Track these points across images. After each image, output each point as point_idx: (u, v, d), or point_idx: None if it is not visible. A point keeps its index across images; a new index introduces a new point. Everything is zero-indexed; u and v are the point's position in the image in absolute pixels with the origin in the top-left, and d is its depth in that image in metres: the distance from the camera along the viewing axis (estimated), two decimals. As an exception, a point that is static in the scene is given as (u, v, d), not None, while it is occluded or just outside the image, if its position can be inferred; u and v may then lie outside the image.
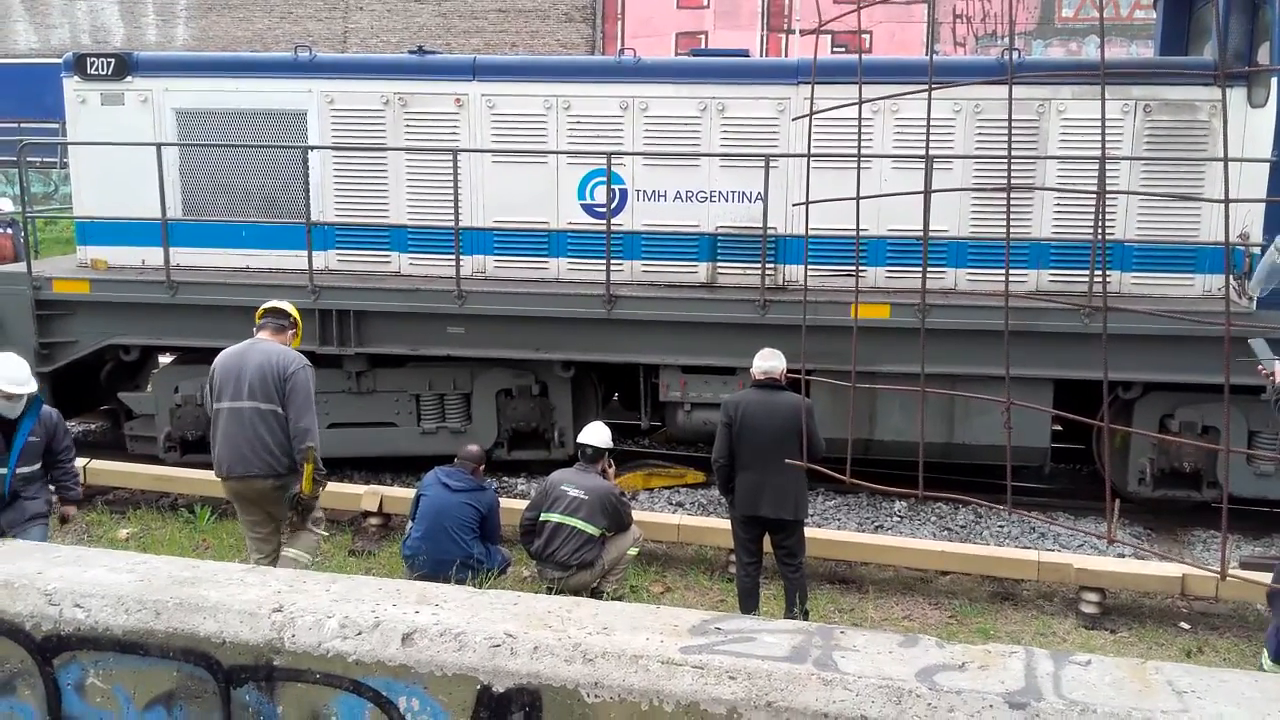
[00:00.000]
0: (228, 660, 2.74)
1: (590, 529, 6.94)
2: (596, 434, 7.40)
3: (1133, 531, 8.75)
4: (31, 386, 6.29)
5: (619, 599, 7.03)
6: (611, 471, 7.59)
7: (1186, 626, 7.16)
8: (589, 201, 9.35)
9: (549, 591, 6.69)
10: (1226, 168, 2.27)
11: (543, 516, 7.09)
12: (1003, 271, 8.91)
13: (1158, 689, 2.35)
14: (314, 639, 2.68)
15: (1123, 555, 7.88)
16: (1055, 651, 2.53)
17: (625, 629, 2.65)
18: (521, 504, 7.68)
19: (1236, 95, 8.46)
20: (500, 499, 7.62)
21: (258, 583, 2.93)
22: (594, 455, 7.30)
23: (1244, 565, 7.26)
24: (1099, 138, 8.58)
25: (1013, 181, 8.79)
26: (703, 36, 27.07)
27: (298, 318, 6.89)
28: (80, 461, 8.99)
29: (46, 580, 2.94)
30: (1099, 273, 8.51)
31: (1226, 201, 2.13)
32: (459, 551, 6.90)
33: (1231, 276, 7.74)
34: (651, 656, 2.51)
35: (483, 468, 7.41)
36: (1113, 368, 8.31)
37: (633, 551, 7.33)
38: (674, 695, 2.45)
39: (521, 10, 28.23)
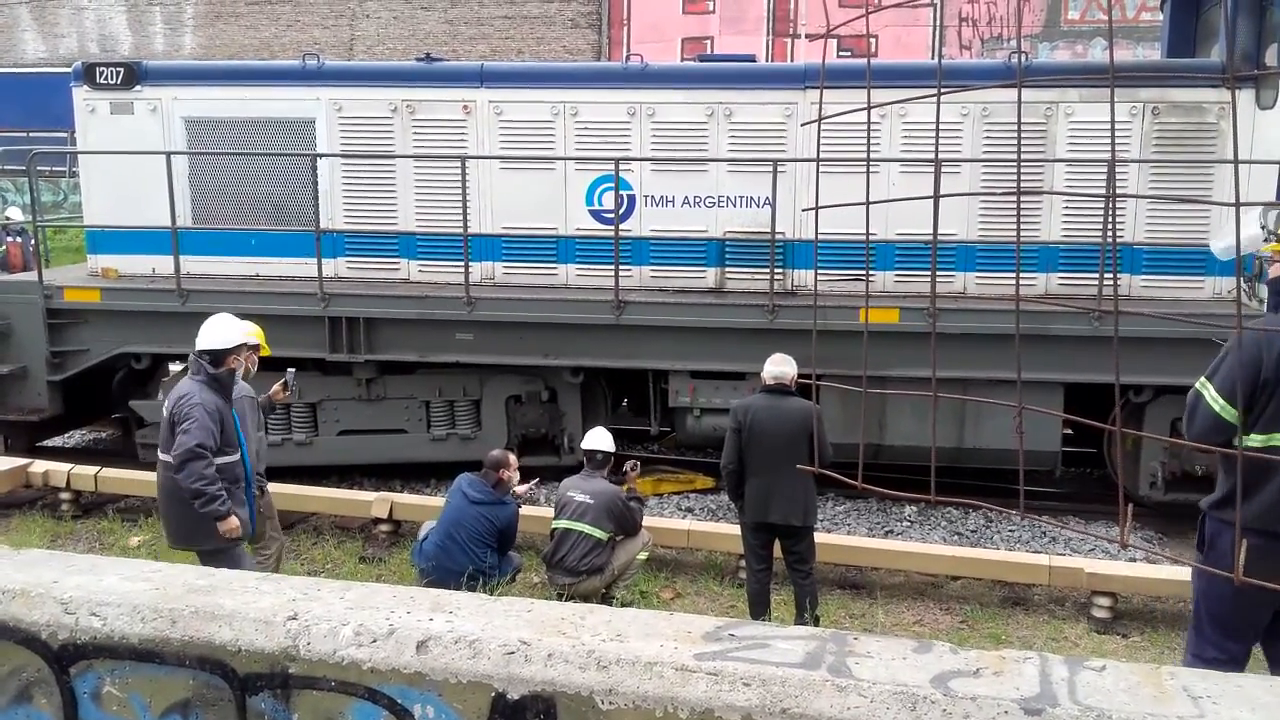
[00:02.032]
0: (243, 668, 2.74)
1: (597, 533, 6.95)
2: (601, 439, 7.40)
3: (1144, 535, 8.73)
4: None
5: (628, 605, 7.04)
6: (634, 475, 7.57)
7: (1199, 630, 7.13)
8: (597, 207, 9.37)
9: (559, 598, 6.69)
10: (1237, 170, 2.27)
11: (552, 524, 7.12)
12: (1011, 275, 8.90)
13: (1173, 694, 2.34)
14: (329, 646, 2.68)
15: (1134, 560, 7.86)
16: (1070, 657, 2.52)
17: (639, 636, 2.65)
18: (533, 511, 7.70)
19: (1245, 97, 8.45)
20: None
21: (272, 590, 2.94)
22: (603, 460, 7.31)
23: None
24: (1107, 140, 8.57)
25: (1021, 185, 8.78)
26: (708, 42, 27.09)
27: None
28: (91, 470, 9.07)
29: (63, 589, 2.95)
30: (1109, 276, 8.49)
31: (1238, 205, 2.12)
32: (469, 563, 6.89)
33: (1242, 279, 7.71)
34: (666, 663, 2.51)
35: (507, 473, 7.23)
36: (1124, 371, 8.29)
37: (642, 556, 7.33)
38: (688, 702, 2.45)
39: (527, 16, 28.29)
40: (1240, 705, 2.29)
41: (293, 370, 7.26)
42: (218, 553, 6.02)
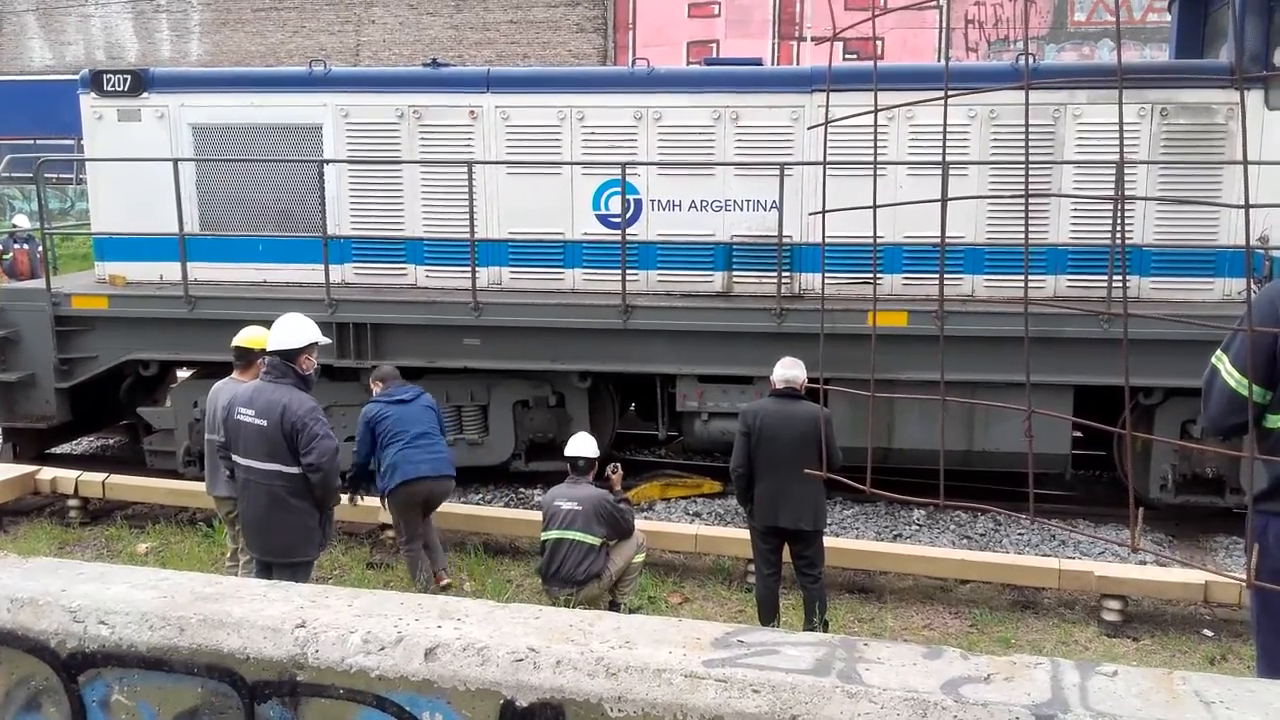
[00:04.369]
0: (251, 676, 2.74)
1: (589, 539, 6.89)
2: (584, 445, 7.33)
3: (1154, 538, 8.70)
4: None
5: (635, 610, 7.02)
6: (616, 478, 7.50)
7: (1209, 634, 7.11)
8: (604, 212, 9.37)
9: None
10: (1246, 171, 2.26)
11: (543, 536, 7.07)
12: (1020, 278, 8.88)
13: (1185, 699, 2.32)
14: (337, 654, 2.68)
15: (1144, 562, 7.83)
16: (1081, 662, 2.51)
17: (647, 642, 2.64)
18: (525, 515, 7.80)
19: (1253, 98, 8.42)
20: (517, 510, 7.60)
21: (281, 598, 2.93)
22: (586, 467, 7.25)
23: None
24: (1115, 142, 8.55)
25: (1029, 187, 8.77)
26: (714, 45, 27.08)
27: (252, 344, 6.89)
28: (99, 476, 9.09)
29: (71, 598, 2.95)
30: (1118, 278, 8.46)
31: (1247, 206, 2.11)
32: (443, 448, 7.53)
33: (1252, 280, 7.68)
34: (675, 670, 2.50)
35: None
36: (1133, 373, 8.26)
37: (639, 558, 7.26)
38: (698, 709, 2.44)
39: (533, 21, 28.31)
40: (1253, 710, 2.27)
41: None
42: (301, 565, 6.00)
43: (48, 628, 2.89)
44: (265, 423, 5.86)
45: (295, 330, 6.06)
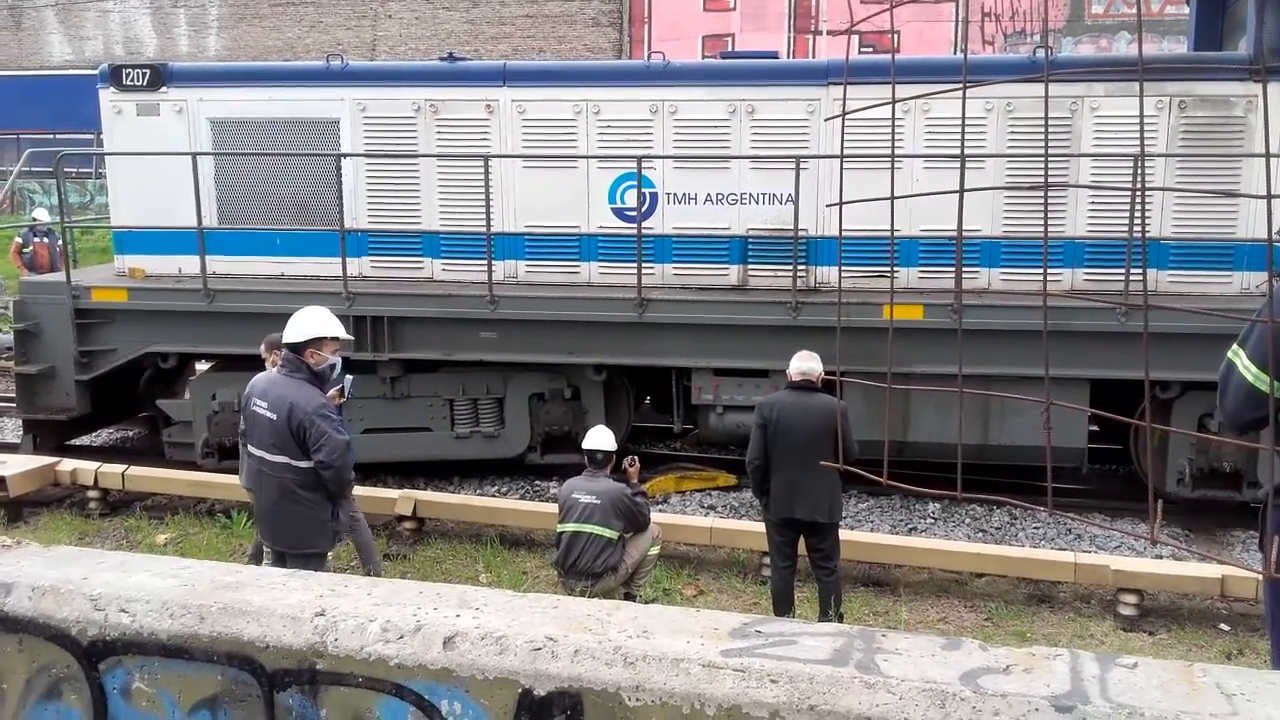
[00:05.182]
0: (271, 664, 2.75)
1: (607, 533, 6.91)
2: (602, 438, 7.33)
3: (1170, 532, 8.66)
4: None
5: (651, 602, 7.02)
6: (634, 471, 7.49)
7: (1226, 628, 7.07)
8: (619, 205, 9.36)
9: (579, 599, 6.67)
10: (1269, 163, 2.24)
11: (559, 528, 7.08)
12: (1036, 271, 8.84)
13: (1206, 691, 2.32)
14: (356, 643, 2.69)
15: (1161, 556, 7.79)
16: (1100, 654, 2.50)
17: (665, 632, 2.65)
18: (539, 507, 7.74)
19: (1274, 90, 8.35)
20: (533, 503, 7.59)
21: (300, 587, 2.95)
22: (604, 460, 7.25)
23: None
24: (1133, 135, 8.50)
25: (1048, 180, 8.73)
26: (729, 39, 27.06)
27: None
28: (119, 468, 9.15)
29: (92, 586, 2.97)
30: (1136, 271, 8.42)
31: (1269, 197, 2.10)
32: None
33: (1274, 273, 7.63)
34: (692, 659, 2.51)
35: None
36: (1151, 367, 8.22)
37: (654, 551, 7.27)
38: (715, 698, 2.44)
39: (549, 15, 28.33)
40: (1275, 702, 2.26)
41: (350, 377, 7.06)
42: (313, 557, 5.99)
43: (69, 616, 2.92)
44: (275, 416, 5.88)
45: (301, 324, 6.02)
